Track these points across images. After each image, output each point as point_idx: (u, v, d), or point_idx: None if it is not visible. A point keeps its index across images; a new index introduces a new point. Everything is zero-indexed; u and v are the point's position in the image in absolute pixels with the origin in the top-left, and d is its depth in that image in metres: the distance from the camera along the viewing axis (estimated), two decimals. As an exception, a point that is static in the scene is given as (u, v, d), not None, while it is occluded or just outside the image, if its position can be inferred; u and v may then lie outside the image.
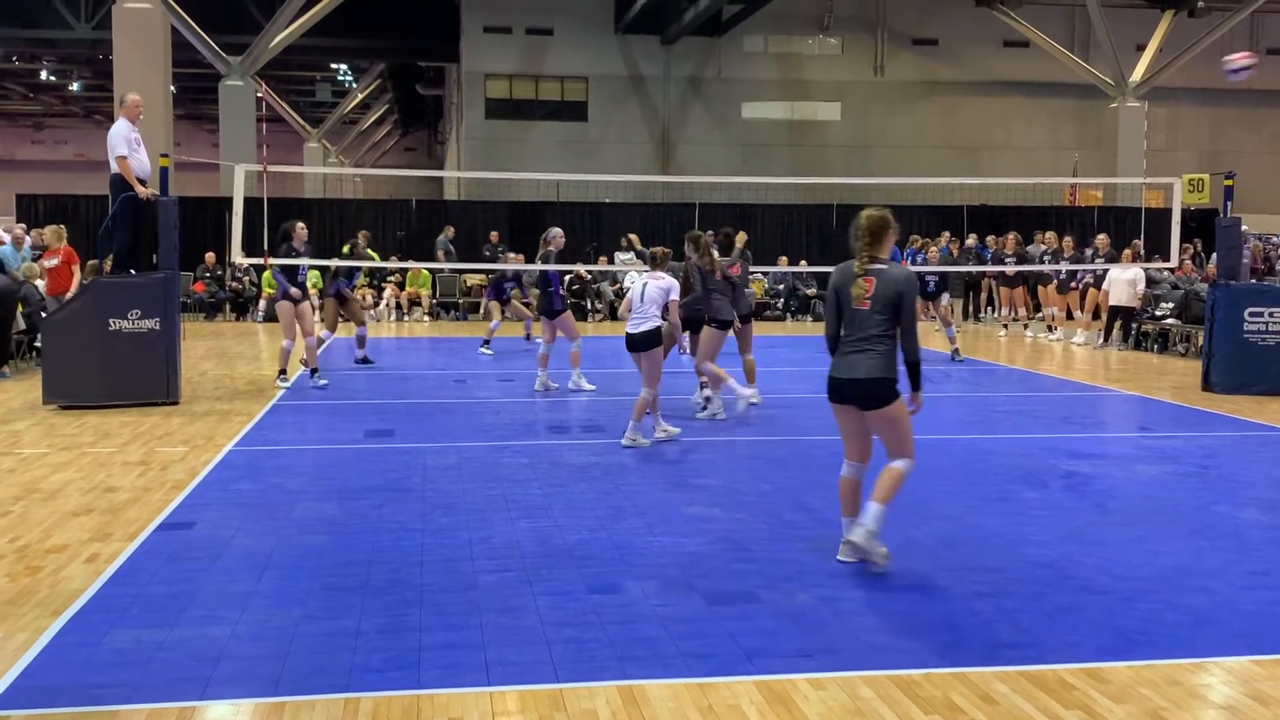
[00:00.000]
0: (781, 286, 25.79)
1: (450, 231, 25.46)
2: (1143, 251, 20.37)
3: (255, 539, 6.96)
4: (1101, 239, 20.64)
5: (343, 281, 16.03)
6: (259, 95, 32.16)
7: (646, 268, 10.74)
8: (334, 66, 48.78)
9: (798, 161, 35.19)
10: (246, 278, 24.71)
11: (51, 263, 15.74)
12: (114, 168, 12.29)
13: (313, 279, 23.96)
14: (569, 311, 14.18)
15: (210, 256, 24.43)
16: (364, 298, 24.33)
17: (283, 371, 13.79)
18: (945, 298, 17.69)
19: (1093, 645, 5.29)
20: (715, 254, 11.64)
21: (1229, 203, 14.56)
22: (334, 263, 16.45)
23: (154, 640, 5.21)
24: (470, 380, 14.51)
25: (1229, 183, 14.51)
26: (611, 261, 25.56)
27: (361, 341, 16.19)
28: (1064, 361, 17.34)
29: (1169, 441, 10.53)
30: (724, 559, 6.58)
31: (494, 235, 25.42)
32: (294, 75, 50.75)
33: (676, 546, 6.84)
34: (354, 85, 50.81)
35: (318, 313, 17.16)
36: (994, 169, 34.61)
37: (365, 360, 16.00)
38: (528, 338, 18.80)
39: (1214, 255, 17.27)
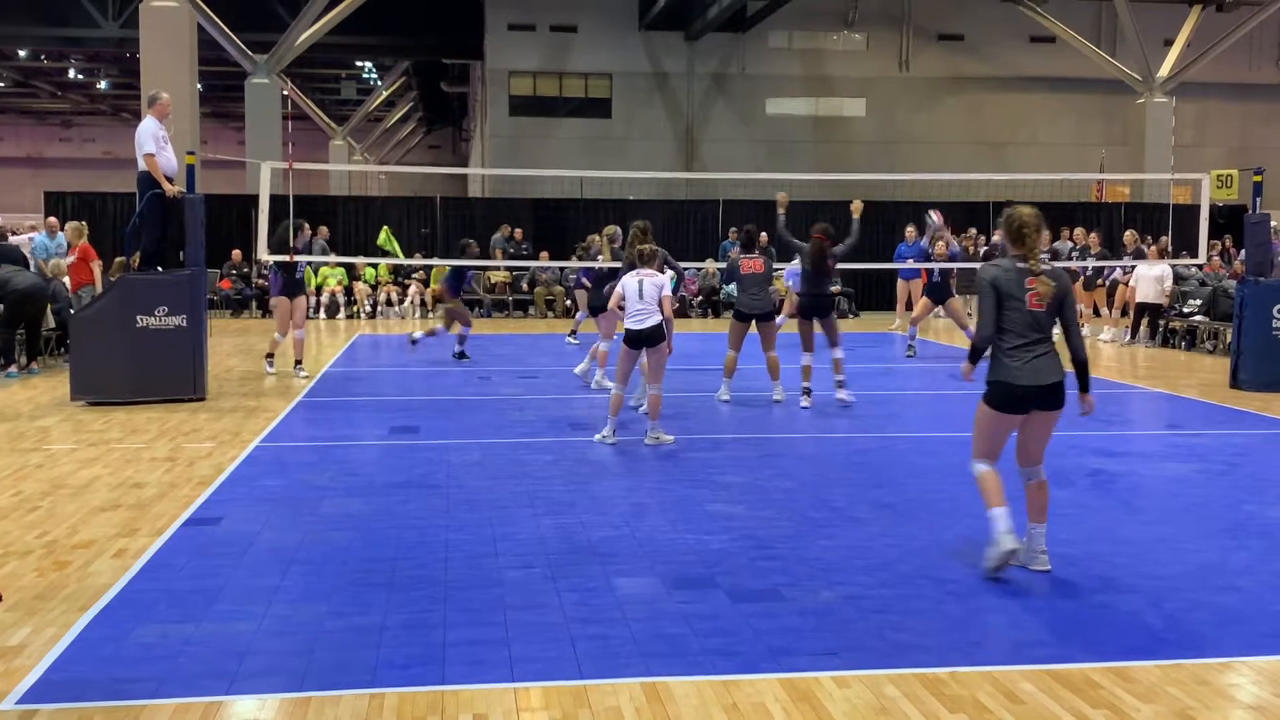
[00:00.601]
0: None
1: (507, 230, 25.47)
2: (1170, 248, 20.20)
3: (281, 535, 6.99)
4: (1129, 235, 20.50)
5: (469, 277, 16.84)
6: (285, 93, 32.32)
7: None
8: (359, 64, 48.92)
9: (822, 157, 35.05)
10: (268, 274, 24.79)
11: (69, 259, 15.97)
12: (141, 165, 12.35)
13: (336, 276, 24.11)
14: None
15: (237, 253, 24.54)
16: (387, 295, 24.42)
17: (270, 355, 14.84)
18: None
19: (1120, 644, 5.26)
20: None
21: (1258, 199, 14.43)
22: (385, 260, 17.19)
23: (180, 635, 5.24)
24: (494, 377, 14.53)
25: (1258, 179, 14.39)
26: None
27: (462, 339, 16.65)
28: (1090, 358, 17.19)
29: (1197, 439, 10.45)
30: (747, 556, 6.57)
31: (518, 232, 25.45)
32: (319, 73, 50.95)
33: (700, 544, 6.83)
34: (379, 83, 50.94)
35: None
36: (1020, 165, 34.38)
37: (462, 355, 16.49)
38: (572, 333, 18.74)
39: (1242, 252, 17.12)
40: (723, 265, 24.60)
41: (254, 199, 17.37)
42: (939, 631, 5.39)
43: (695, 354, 15.58)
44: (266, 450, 9.74)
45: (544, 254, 24.12)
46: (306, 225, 14.79)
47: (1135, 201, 29.67)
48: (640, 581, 6.09)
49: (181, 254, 12.72)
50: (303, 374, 14.42)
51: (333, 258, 23.12)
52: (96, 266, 15.72)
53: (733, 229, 25.87)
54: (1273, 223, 16.98)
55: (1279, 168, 29.12)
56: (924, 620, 5.54)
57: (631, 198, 27.89)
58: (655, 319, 9.70)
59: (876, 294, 26.22)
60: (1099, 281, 20.23)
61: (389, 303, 24.40)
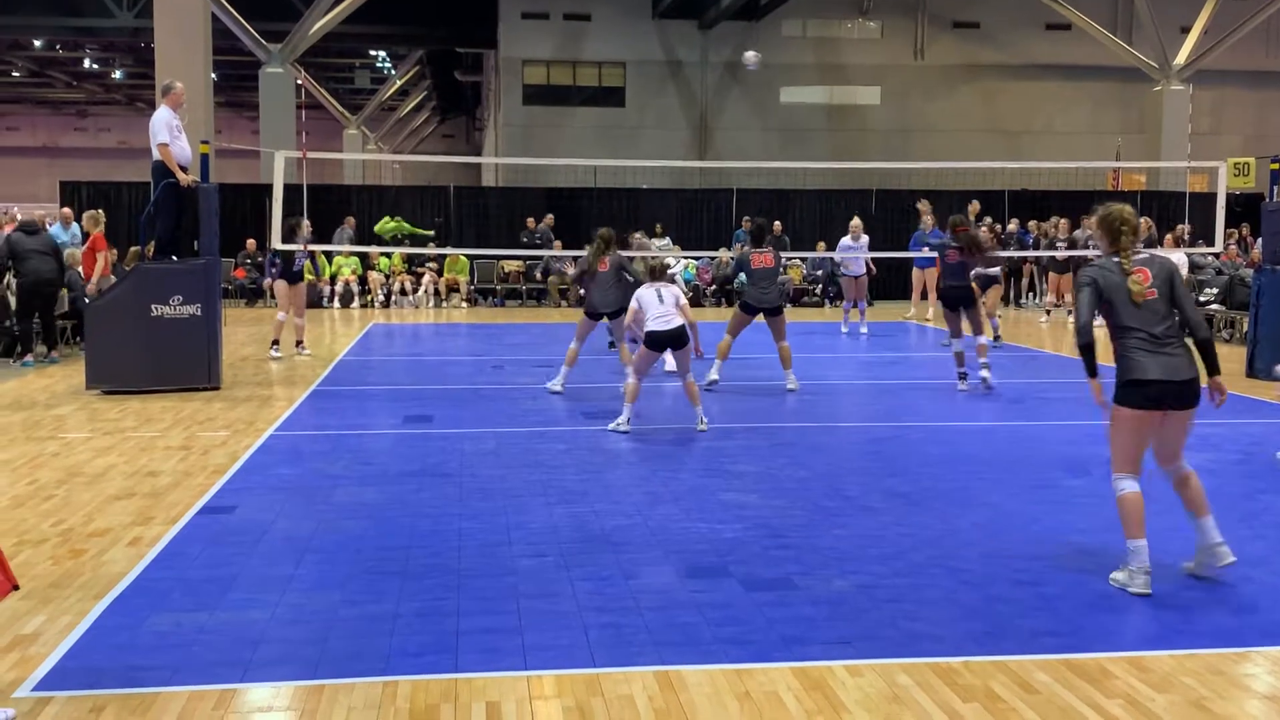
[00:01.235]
0: (820, 272, 25.66)
1: (550, 219, 25.46)
2: (1187, 236, 20.11)
3: (295, 523, 7.01)
4: (1144, 223, 20.38)
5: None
6: (298, 82, 32.30)
7: (674, 251, 11.27)
8: (373, 53, 48.95)
9: (836, 146, 34.96)
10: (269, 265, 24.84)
11: (81, 249, 16.05)
12: (156, 155, 12.38)
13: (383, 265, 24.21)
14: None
15: (251, 243, 24.58)
16: (402, 284, 24.45)
17: (275, 342, 15.37)
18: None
19: (1135, 634, 5.24)
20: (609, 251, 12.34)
21: (1275, 187, 14.33)
22: (396, 249, 17.50)
23: (195, 623, 5.26)
24: (508, 366, 14.54)
25: (1275, 166, 14.28)
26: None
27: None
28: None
29: (1212, 428, 10.39)
30: (761, 545, 6.57)
31: (530, 221, 25.44)
32: (333, 62, 50.96)
33: (713, 533, 6.82)
34: (392, 72, 50.96)
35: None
36: (1035, 153, 34.23)
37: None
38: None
39: (1259, 240, 17.02)
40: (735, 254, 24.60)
41: (268, 188, 17.42)
42: (952, 621, 5.38)
43: (709, 343, 15.55)
44: (281, 439, 9.76)
45: (557, 244, 24.11)
46: (306, 223, 15.56)
47: (1151, 190, 29.51)
48: (653, 570, 6.08)
49: (196, 243, 12.74)
50: (304, 352, 15.19)
51: (346, 247, 23.20)
52: (102, 257, 15.65)
53: (746, 218, 25.81)
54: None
55: (1297, 156, 28.93)
56: (937, 609, 5.52)
57: (645, 187, 27.86)
58: (679, 321, 9.98)
59: (892, 283, 26.13)
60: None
61: (403, 291, 24.42)
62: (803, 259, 25.42)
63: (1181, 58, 32.95)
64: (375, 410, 11.36)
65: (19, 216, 17.32)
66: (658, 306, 10.07)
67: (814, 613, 5.46)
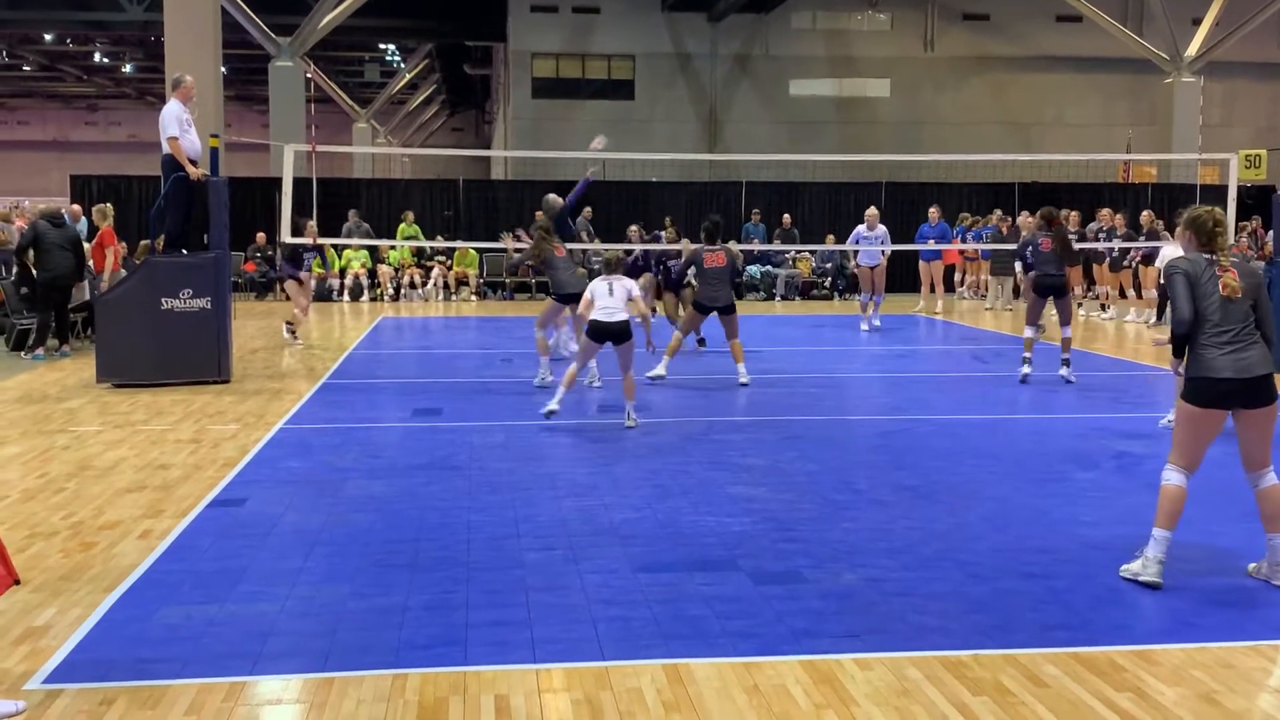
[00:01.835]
0: (829, 265, 25.62)
1: (589, 212, 25.42)
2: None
3: (305, 516, 7.02)
4: (1145, 216, 20.32)
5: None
6: (308, 76, 32.34)
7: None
8: (382, 47, 48.96)
9: (846, 139, 34.90)
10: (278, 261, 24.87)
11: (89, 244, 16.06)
12: (165, 148, 12.40)
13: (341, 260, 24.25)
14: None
15: (261, 236, 24.60)
16: (411, 277, 24.47)
17: (292, 327, 16.02)
18: None
19: (1144, 627, 5.23)
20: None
21: (1287, 179, 14.27)
22: (407, 242, 17.65)
23: (205, 616, 5.28)
24: (517, 359, 14.54)
25: (1287, 158, 14.22)
26: (657, 242, 25.47)
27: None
28: (1116, 340, 17.13)
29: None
30: (770, 539, 6.56)
31: (539, 214, 25.38)
32: (342, 56, 51.02)
33: (722, 526, 6.82)
34: (402, 65, 50.97)
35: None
36: (1046, 145, 34.16)
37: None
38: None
39: (1271, 233, 16.95)
40: (748, 248, 24.56)
41: (278, 182, 17.44)
42: (961, 614, 5.37)
43: (720, 336, 15.55)
44: (290, 432, 9.78)
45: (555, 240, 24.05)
46: (311, 224, 15.92)
47: (1162, 182, 29.43)
48: (662, 563, 6.09)
49: (205, 236, 12.76)
50: (298, 343, 15.86)
51: (355, 240, 23.21)
52: (110, 252, 15.60)
53: (755, 210, 25.79)
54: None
55: (1309, 148, 28.84)
56: (946, 603, 5.52)
57: (654, 179, 27.83)
58: (623, 316, 9.95)
59: (900, 276, 26.08)
60: (1125, 263, 20.07)
61: (412, 285, 24.43)
62: (812, 252, 25.37)
63: (1193, 49, 32.81)
64: (384, 404, 11.38)
65: (28, 208, 17.30)
66: (606, 299, 10.03)
67: (823, 606, 5.45)
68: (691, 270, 13.42)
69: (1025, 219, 23.12)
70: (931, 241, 20.65)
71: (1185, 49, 32.72)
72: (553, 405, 10.03)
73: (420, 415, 10.64)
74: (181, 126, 12.34)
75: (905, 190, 26.44)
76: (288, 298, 17.25)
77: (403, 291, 24.28)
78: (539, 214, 14.39)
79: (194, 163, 12.45)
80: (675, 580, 5.81)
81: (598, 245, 23.26)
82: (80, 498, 7.50)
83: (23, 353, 14.42)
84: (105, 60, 51.92)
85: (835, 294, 25.15)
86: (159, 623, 5.21)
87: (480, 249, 24.86)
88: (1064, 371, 12.58)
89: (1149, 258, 19.22)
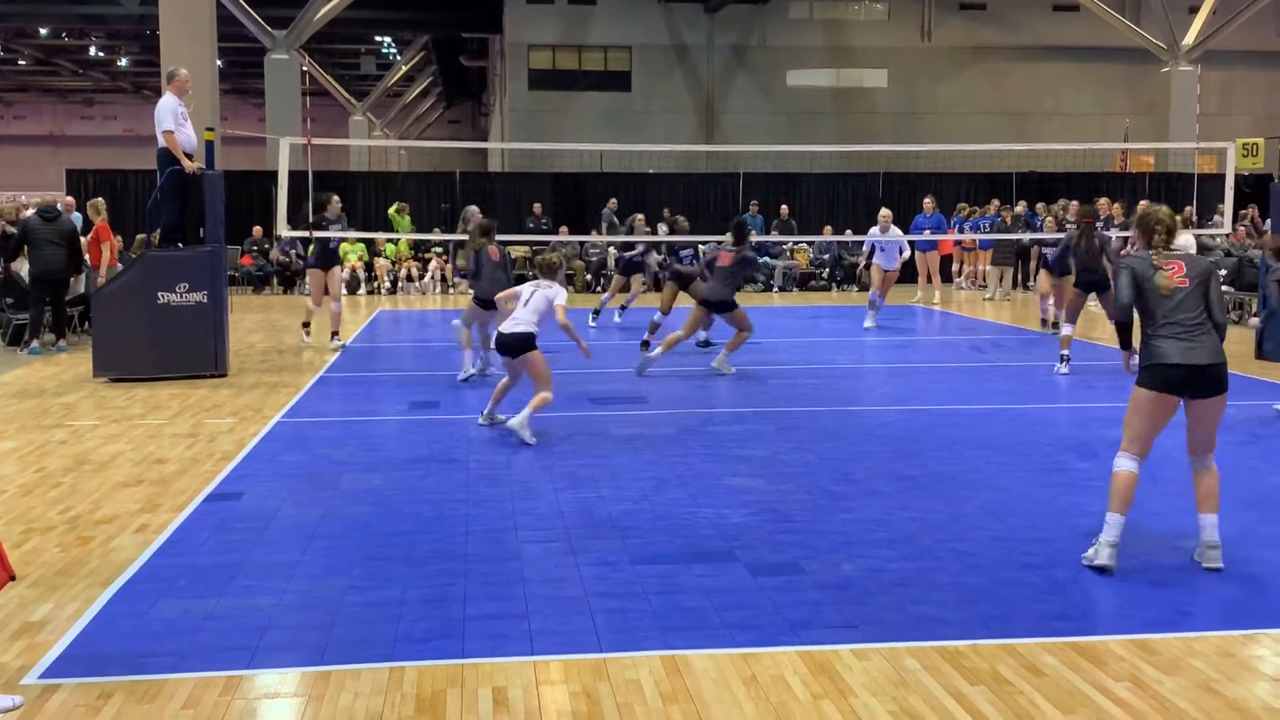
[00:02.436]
0: (826, 256, 25.59)
1: (614, 203, 25.37)
2: (1195, 218, 20.01)
3: (302, 510, 7.01)
4: (1143, 205, 20.28)
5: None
6: (304, 69, 32.28)
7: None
8: (378, 39, 48.87)
9: (843, 129, 34.87)
10: (294, 250, 24.84)
11: (85, 238, 15.93)
12: (161, 142, 12.37)
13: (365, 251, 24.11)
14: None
15: (258, 229, 24.58)
16: (409, 270, 24.44)
17: (305, 324, 15.05)
18: None
19: (1142, 617, 5.23)
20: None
21: (1285, 167, 14.27)
22: (404, 235, 17.17)
23: (202, 610, 5.27)
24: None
25: (1285, 147, 14.21)
26: (655, 233, 25.45)
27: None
28: (1106, 330, 17.09)
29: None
30: (767, 530, 6.56)
31: (537, 207, 25.40)
32: (338, 49, 50.90)
33: (720, 517, 6.82)
34: (398, 58, 50.87)
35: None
36: (1043, 135, 34.10)
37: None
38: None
39: (1269, 220, 16.94)
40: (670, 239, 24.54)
41: (274, 175, 17.41)
42: (960, 604, 5.37)
43: (718, 327, 15.52)
44: (287, 426, 9.76)
45: (564, 229, 24.09)
46: (335, 199, 15.01)
47: (1160, 171, 29.39)
48: (659, 555, 6.08)
49: (201, 230, 12.74)
50: (336, 343, 14.62)
51: (352, 233, 23.16)
52: (106, 248, 15.51)
53: (754, 202, 25.76)
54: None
55: (1306, 136, 28.78)
56: (945, 593, 5.51)
57: (652, 171, 27.81)
58: (525, 328, 9.06)
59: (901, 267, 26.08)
60: (1124, 252, 20.05)
61: (409, 278, 24.40)
62: (810, 243, 25.35)
63: (1190, 38, 32.77)
64: (382, 396, 11.37)
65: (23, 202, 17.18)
66: (520, 309, 9.22)
67: (820, 597, 5.45)
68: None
69: (1043, 208, 23.15)
70: (927, 231, 20.64)
71: (1182, 38, 32.68)
72: (482, 418, 9.57)
73: (418, 408, 10.63)
74: (177, 120, 12.31)
75: (903, 180, 26.42)
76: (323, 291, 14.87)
77: (400, 284, 24.25)
78: (537, 207, 14.41)
79: (190, 156, 12.42)
80: (673, 572, 5.80)
81: (599, 239, 23.27)
82: (77, 492, 7.49)
83: (18, 347, 14.40)
84: (101, 54, 51.82)
85: (833, 285, 25.12)
86: (156, 617, 5.20)
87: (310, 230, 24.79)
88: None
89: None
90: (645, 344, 13.92)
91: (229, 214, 13.56)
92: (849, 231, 24.68)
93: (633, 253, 17.53)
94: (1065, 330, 12.91)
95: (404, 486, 7.58)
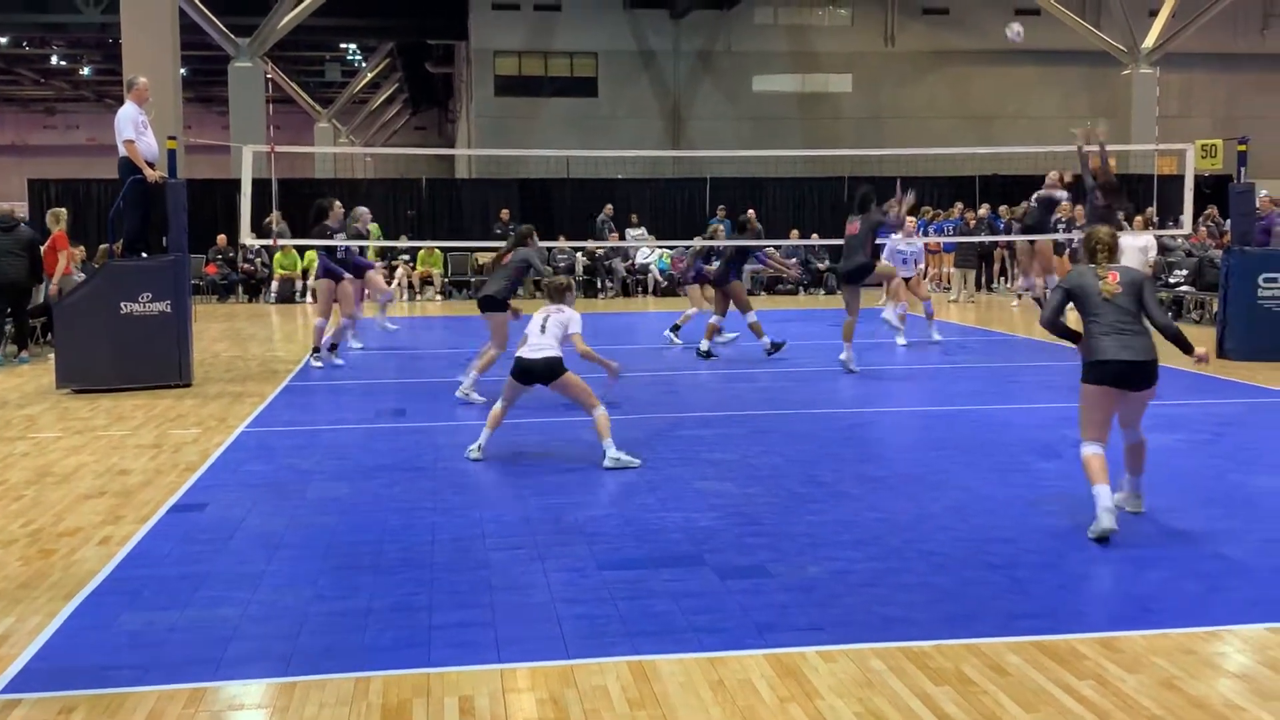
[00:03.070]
0: (793, 260, 25.69)
1: (609, 209, 25.31)
2: (1156, 218, 20.19)
3: (267, 520, 6.97)
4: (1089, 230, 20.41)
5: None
6: (268, 76, 32.11)
7: (649, 241, 10.82)
8: (343, 46, 48.70)
9: (809, 134, 35.02)
10: (258, 259, 24.72)
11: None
12: (122, 151, 12.28)
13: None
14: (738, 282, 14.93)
15: (222, 238, 24.46)
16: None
17: (316, 349, 13.67)
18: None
19: (1105, 614, 5.27)
20: None
21: (1243, 168, 14.44)
22: (373, 243, 16.65)
23: (166, 622, 5.23)
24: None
25: (1242, 148, 14.38)
26: (622, 238, 25.50)
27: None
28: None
29: (1183, 409, 10.46)
30: (735, 533, 6.57)
31: (504, 213, 25.38)
32: (303, 56, 50.69)
33: (688, 521, 6.82)
34: (363, 65, 50.70)
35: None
36: (1007, 139, 34.35)
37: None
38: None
39: (1228, 221, 17.13)
40: (713, 242, 24.54)
41: (238, 183, 17.31)
42: (926, 605, 5.39)
43: (686, 332, 15.57)
44: (252, 435, 9.71)
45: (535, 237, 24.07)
46: (337, 204, 13.90)
47: (1122, 172, 29.57)
48: (627, 560, 6.08)
49: (164, 239, 12.65)
50: (321, 359, 13.63)
51: (317, 241, 23.03)
52: (63, 256, 15.15)
53: (720, 206, 25.83)
54: (1262, 192, 16.99)
55: (1264, 137, 29.18)
56: (910, 593, 5.54)
57: (619, 176, 27.84)
58: (552, 352, 8.47)
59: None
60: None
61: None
62: (777, 246, 25.41)
63: (1150, 41, 33.10)
64: (348, 405, 11.32)
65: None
66: (536, 335, 8.61)
67: (787, 599, 5.46)
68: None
69: (1006, 210, 23.24)
70: (893, 235, 20.70)
71: (1142, 41, 33.01)
72: (473, 449, 8.68)
73: (384, 416, 10.59)
74: (138, 129, 12.22)
75: (868, 184, 26.52)
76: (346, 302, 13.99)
77: (366, 291, 24.12)
78: (504, 213, 14.29)
79: (152, 165, 12.33)
80: (640, 577, 5.80)
81: (575, 246, 23.22)
82: (39, 505, 7.42)
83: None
84: (63, 63, 51.36)
85: (800, 288, 25.21)
86: (119, 629, 5.15)
87: (445, 248, 24.80)
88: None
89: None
90: (707, 353, 14.25)
91: (193, 222, 13.46)
92: (815, 235, 24.78)
93: (711, 265, 16.32)
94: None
95: (370, 495, 7.55)
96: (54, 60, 50.59)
